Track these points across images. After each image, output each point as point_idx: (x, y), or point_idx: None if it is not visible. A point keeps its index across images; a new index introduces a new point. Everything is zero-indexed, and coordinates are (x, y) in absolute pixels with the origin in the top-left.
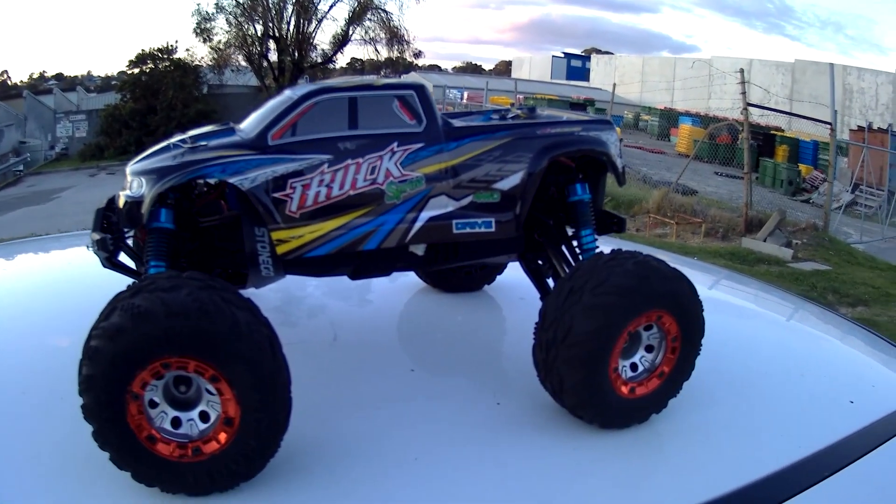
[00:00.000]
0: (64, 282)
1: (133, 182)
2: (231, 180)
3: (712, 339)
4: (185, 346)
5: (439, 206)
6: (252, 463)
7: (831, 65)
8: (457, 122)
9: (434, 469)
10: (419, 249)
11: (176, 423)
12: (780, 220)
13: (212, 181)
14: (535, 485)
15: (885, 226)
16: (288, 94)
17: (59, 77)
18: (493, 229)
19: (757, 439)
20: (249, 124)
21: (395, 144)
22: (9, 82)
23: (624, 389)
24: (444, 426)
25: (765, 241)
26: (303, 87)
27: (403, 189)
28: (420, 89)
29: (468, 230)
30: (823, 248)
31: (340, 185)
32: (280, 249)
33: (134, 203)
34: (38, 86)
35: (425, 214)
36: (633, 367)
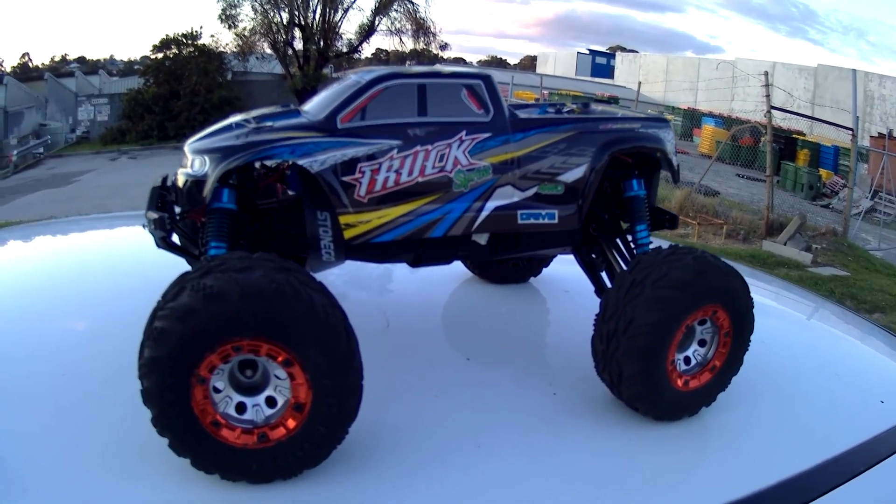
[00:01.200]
0: (82, 264)
1: (195, 160)
2: (300, 162)
3: (753, 339)
4: (259, 329)
5: (505, 196)
6: (319, 450)
7: (854, 70)
8: (522, 114)
9: (501, 455)
10: (482, 238)
11: (240, 408)
12: (800, 224)
13: (272, 163)
14: (592, 473)
15: None
16: (355, 79)
17: (81, 60)
18: (556, 221)
19: (796, 435)
20: (315, 107)
21: (464, 133)
22: (30, 64)
23: (679, 382)
24: (503, 414)
25: (785, 244)
26: (371, 72)
27: (471, 178)
28: (487, 79)
29: (532, 221)
30: (842, 254)
31: (409, 171)
32: (347, 234)
33: (195, 182)
34: (60, 68)
35: (492, 204)
36: (687, 360)
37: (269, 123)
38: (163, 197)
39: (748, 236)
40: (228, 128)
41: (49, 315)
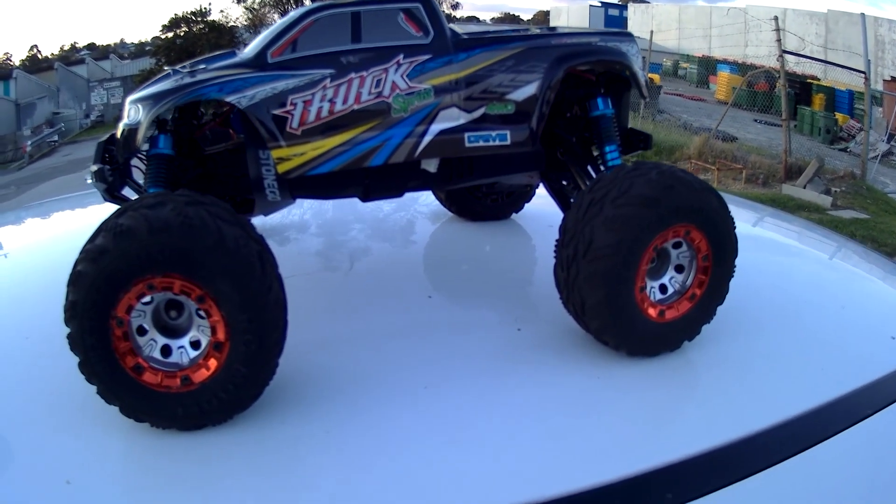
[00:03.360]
0: (55, 238)
1: (130, 110)
2: (228, 99)
3: (752, 271)
4: (167, 264)
5: (450, 119)
6: (244, 391)
7: (862, 14)
8: (467, 35)
9: (449, 396)
10: (431, 166)
11: (166, 351)
12: (818, 167)
13: (221, 108)
14: (556, 413)
15: None
16: (290, 14)
17: (91, 47)
18: (507, 142)
19: (796, 372)
20: (251, 46)
21: (401, 57)
22: (39, 56)
23: (652, 312)
24: (460, 352)
25: (804, 187)
26: (306, 7)
27: (411, 102)
28: (426, 2)
29: (481, 143)
30: (861, 197)
31: (344, 99)
32: (282, 168)
33: (131, 130)
34: (70, 57)
35: (435, 127)
36: (663, 288)
37: (202, 66)
38: (108, 151)
39: (767, 180)
40: (166, 76)
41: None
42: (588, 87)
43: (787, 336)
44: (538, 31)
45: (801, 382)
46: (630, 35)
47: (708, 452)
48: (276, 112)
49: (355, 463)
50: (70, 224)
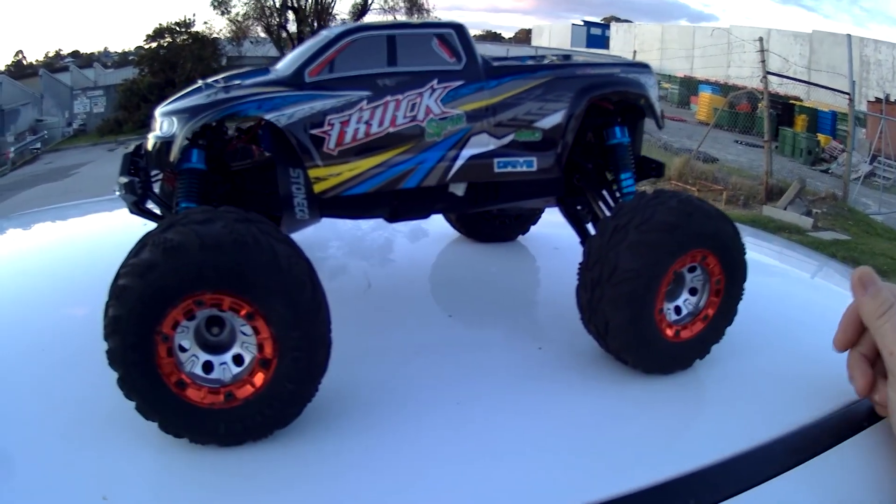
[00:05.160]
0: (69, 247)
1: (163, 122)
2: (267, 117)
3: (747, 291)
4: (220, 281)
5: (481, 144)
6: (288, 408)
7: (848, 35)
8: (496, 62)
9: (477, 413)
10: (459, 189)
11: (208, 367)
12: (800, 189)
13: (245, 123)
14: (580, 429)
15: None
16: (325, 34)
17: (75, 54)
18: (534, 168)
19: (798, 388)
20: (285, 64)
21: (436, 82)
22: (24, 62)
23: (669, 332)
24: (485, 371)
25: (785, 209)
26: (340, 27)
27: (444, 126)
28: (459, 28)
29: (510, 169)
30: (843, 218)
31: (380, 121)
32: (318, 188)
33: (164, 143)
34: (55, 64)
35: (467, 152)
36: (678, 309)
37: (237, 82)
38: (135, 163)
39: (748, 202)
40: (198, 90)
41: (32, 297)
42: (605, 116)
43: (787, 354)
44: (556, 59)
45: (806, 398)
46: (648, 66)
47: (723, 462)
48: (314, 132)
49: (400, 477)
50: (64, 233)
